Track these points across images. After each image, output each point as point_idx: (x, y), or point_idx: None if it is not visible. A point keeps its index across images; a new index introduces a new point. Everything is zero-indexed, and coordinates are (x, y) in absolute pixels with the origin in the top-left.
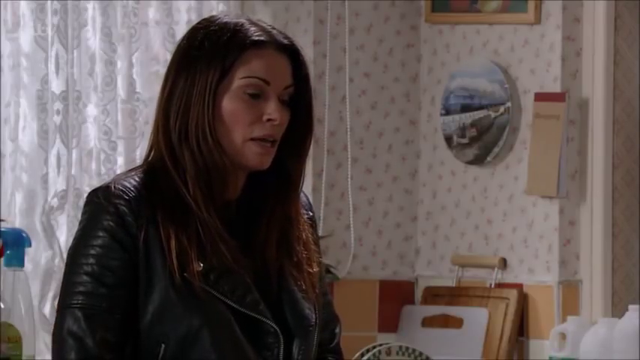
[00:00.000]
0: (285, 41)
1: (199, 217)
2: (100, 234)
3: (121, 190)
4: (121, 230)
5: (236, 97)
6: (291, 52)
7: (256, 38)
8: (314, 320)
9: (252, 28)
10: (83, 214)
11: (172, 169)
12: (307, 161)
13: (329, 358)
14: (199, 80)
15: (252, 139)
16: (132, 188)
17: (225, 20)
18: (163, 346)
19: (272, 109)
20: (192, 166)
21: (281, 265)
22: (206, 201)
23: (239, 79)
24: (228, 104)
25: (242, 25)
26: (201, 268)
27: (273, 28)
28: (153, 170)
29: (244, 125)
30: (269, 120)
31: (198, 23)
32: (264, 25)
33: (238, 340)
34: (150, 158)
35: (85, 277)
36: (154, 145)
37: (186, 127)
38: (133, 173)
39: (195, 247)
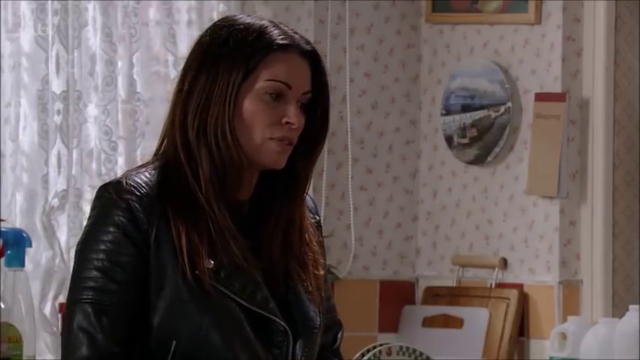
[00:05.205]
0: (308, 47)
1: (210, 214)
2: (111, 229)
3: (133, 186)
4: (132, 226)
5: (258, 98)
6: (312, 59)
7: (282, 42)
8: (318, 322)
9: (276, 31)
10: (93, 209)
11: (186, 166)
12: None
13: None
14: (222, 78)
15: (271, 139)
16: (143, 184)
17: (249, 20)
18: (175, 342)
19: (292, 114)
20: (208, 163)
21: (287, 266)
22: (218, 199)
23: (262, 81)
24: (250, 105)
25: (267, 27)
26: (211, 266)
27: (296, 33)
28: (165, 166)
29: (264, 126)
30: (287, 123)
31: (221, 21)
32: (286, 29)
33: (248, 337)
34: (161, 154)
35: (95, 273)
36: (166, 141)
37: (205, 124)
38: (144, 169)
39: (205, 244)
